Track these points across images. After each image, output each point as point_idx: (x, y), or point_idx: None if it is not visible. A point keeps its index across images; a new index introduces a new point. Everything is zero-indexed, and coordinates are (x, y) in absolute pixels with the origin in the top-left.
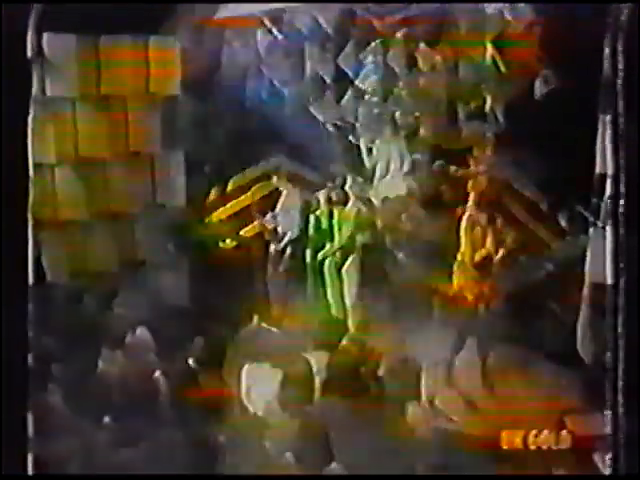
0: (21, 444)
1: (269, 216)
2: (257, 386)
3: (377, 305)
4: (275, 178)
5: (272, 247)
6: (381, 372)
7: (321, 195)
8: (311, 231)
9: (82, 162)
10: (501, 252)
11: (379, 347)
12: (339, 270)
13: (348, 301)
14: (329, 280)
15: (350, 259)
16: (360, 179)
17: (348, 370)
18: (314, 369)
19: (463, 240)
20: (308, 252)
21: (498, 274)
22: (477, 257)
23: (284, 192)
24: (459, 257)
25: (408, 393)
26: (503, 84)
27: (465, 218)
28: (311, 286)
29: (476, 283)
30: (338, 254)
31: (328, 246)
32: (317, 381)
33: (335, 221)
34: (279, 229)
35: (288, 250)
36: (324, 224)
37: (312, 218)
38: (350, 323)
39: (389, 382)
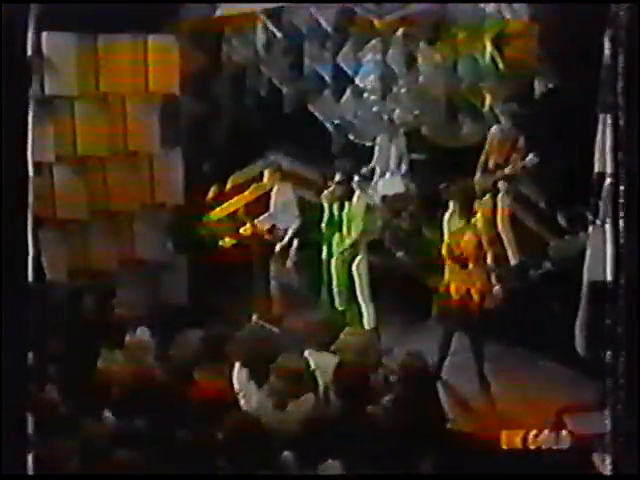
0: (21, 444)
1: (264, 216)
2: (249, 384)
3: (380, 301)
4: (267, 175)
5: (277, 245)
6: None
7: (335, 190)
8: (324, 224)
9: (81, 161)
10: (497, 252)
11: (385, 342)
12: (349, 266)
13: (360, 296)
14: (335, 274)
15: (359, 256)
16: (362, 177)
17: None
18: (313, 368)
19: (460, 240)
20: (321, 245)
21: (496, 273)
22: (472, 255)
23: (275, 189)
24: (457, 256)
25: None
26: (502, 82)
27: (461, 217)
28: (320, 278)
29: (472, 282)
30: (348, 250)
31: (337, 240)
32: (321, 381)
33: (345, 215)
34: (279, 225)
35: (295, 243)
36: (336, 218)
37: (326, 212)
38: (359, 317)
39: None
